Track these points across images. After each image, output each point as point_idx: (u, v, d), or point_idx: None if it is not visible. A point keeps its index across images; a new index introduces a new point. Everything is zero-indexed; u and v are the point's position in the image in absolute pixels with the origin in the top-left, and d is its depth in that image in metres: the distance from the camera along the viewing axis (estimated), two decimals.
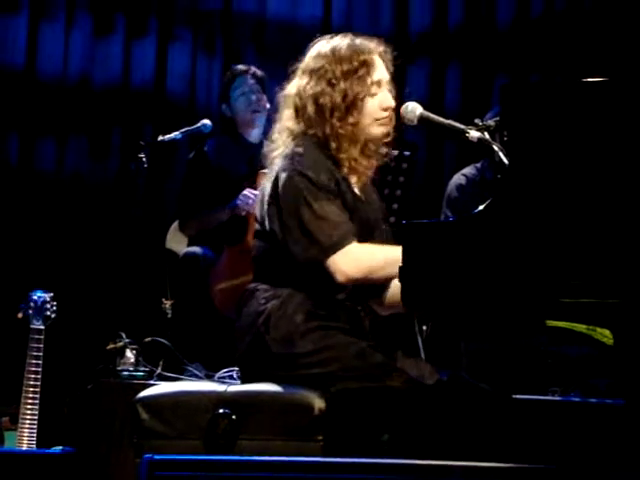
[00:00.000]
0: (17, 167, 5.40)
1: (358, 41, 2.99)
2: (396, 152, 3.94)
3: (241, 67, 4.91)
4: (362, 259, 2.83)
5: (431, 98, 5.54)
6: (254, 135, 4.88)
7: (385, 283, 2.99)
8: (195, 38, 5.69)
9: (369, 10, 5.75)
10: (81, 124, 5.50)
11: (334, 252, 2.82)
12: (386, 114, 2.97)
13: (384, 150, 3.03)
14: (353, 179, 2.99)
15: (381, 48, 3.01)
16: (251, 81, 4.85)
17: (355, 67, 2.94)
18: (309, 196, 2.85)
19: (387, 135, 3.00)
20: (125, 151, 5.46)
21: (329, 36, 3.04)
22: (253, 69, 4.89)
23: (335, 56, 2.95)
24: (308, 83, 2.96)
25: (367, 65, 2.95)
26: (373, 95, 2.96)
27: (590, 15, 5.52)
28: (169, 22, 5.66)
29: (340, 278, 2.82)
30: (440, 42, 5.69)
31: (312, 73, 2.96)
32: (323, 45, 3.01)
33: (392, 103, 2.99)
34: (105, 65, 5.56)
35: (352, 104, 2.93)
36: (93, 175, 5.50)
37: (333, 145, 2.93)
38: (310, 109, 2.94)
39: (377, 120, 2.97)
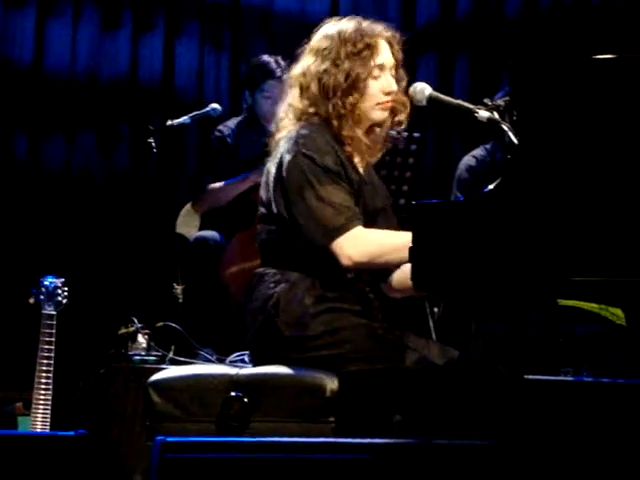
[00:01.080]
0: (26, 163, 5.39)
1: (365, 24, 3.00)
2: (406, 134, 3.94)
3: (276, 71, 4.85)
4: (367, 243, 2.82)
5: (440, 91, 5.50)
6: (272, 125, 4.88)
7: (393, 268, 2.98)
8: (203, 32, 5.66)
9: (375, 3, 5.73)
10: (89, 120, 5.48)
11: (339, 236, 2.81)
12: (387, 98, 2.97)
13: (388, 137, 3.03)
14: (357, 159, 2.99)
15: (389, 33, 3.01)
16: (280, 87, 4.83)
17: (359, 49, 2.94)
18: (313, 179, 2.84)
19: (386, 121, 2.99)
20: (134, 147, 5.45)
21: (337, 18, 3.04)
22: (285, 76, 4.86)
23: (340, 37, 2.96)
24: (313, 63, 2.97)
25: (371, 48, 2.95)
26: (376, 78, 2.96)
27: (598, 9, 5.49)
28: (176, 16, 5.62)
29: (345, 262, 2.82)
30: (448, 34, 5.65)
31: (317, 53, 2.97)
32: (330, 27, 3.01)
33: (394, 87, 2.98)
34: (113, 60, 5.54)
35: (353, 85, 2.93)
36: (102, 171, 5.50)
37: (335, 123, 2.93)
38: (314, 88, 2.95)
39: (378, 104, 2.96)
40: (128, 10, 5.56)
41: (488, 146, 4.75)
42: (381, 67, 2.97)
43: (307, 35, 3.08)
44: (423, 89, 2.99)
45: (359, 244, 2.81)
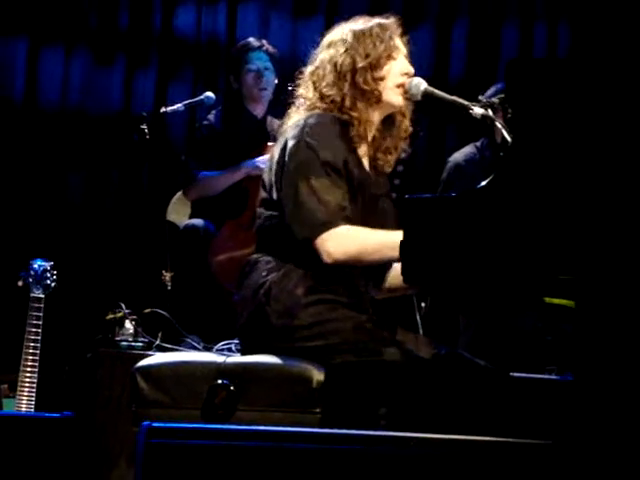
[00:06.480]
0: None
1: (375, 18, 3.02)
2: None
3: (254, 42, 4.89)
4: (350, 242, 2.82)
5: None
6: (258, 110, 4.89)
7: (385, 266, 3.00)
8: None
9: None
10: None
11: (323, 232, 2.80)
12: (405, 79, 2.98)
13: (405, 135, 3.04)
14: (362, 150, 2.99)
15: (399, 27, 3.02)
16: (264, 57, 4.84)
17: (376, 32, 2.96)
18: (310, 170, 2.84)
19: (404, 112, 3.00)
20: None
21: (344, 21, 3.05)
22: (266, 45, 4.88)
23: (354, 28, 2.98)
24: (327, 54, 2.97)
25: (385, 29, 2.97)
26: (395, 58, 2.97)
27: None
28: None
29: (326, 259, 2.81)
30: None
31: (330, 45, 2.98)
32: (339, 25, 3.03)
33: (412, 69, 2.99)
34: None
35: (376, 62, 2.93)
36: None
37: (347, 103, 2.92)
38: (328, 74, 2.94)
39: (397, 86, 2.97)
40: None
41: (478, 143, 4.76)
42: (397, 50, 2.98)
43: (299, 76, 3.06)
44: (419, 84, 3.00)
45: (341, 242, 2.81)
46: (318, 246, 2.81)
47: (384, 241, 2.75)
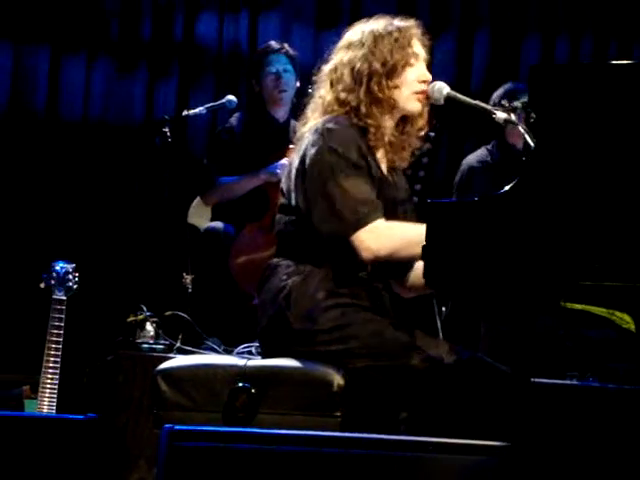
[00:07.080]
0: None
1: (396, 20, 3.00)
2: (432, 134, 3.94)
3: (274, 45, 4.91)
4: (388, 237, 2.81)
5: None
6: (280, 113, 4.90)
7: (408, 264, 2.99)
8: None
9: None
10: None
11: (359, 228, 2.80)
12: (423, 87, 2.97)
13: (421, 134, 3.03)
14: (380, 154, 2.99)
15: (419, 30, 3.01)
16: (284, 60, 4.86)
17: (395, 37, 2.94)
18: (337, 171, 2.84)
19: (421, 113, 2.99)
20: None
21: (365, 19, 3.04)
22: (286, 47, 4.89)
23: (374, 30, 2.96)
24: (345, 55, 2.96)
25: (406, 37, 2.96)
26: (412, 65, 2.96)
27: None
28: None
29: (365, 255, 2.81)
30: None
31: (350, 46, 2.97)
32: (360, 25, 3.02)
33: (429, 76, 2.98)
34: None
35: (392, 69, 2.92)
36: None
37: (363, 110, 2.91)
38: (346, 77, 2.93)
39: (415, 93, 2.97)
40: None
41: (489, 146, 4.77)
42: (416, 56, 2.97)
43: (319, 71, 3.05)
44: (441, 88, 3.00)
45: (380, 237, 2.81)
46: (356, 243, 2.80)
47: (421, 234, 2.60)
